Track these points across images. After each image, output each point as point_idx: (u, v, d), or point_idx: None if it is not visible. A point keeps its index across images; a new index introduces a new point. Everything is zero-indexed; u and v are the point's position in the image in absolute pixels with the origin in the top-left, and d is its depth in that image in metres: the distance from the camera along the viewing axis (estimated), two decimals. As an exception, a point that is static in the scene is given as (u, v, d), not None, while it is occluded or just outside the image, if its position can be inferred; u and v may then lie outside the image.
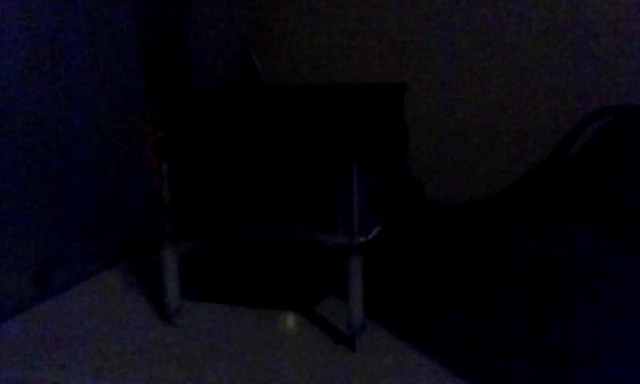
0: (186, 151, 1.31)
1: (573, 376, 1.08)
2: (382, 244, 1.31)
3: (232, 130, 1.24)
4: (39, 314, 1.44)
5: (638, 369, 1.09)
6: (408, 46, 2.32)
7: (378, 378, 1.11)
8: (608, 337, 1.23)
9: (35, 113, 1.46)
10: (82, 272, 1.64)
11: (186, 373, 1.16)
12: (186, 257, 1.84)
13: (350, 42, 2.36)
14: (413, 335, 1.26)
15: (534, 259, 1.77)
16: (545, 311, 1.35)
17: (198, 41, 2.05)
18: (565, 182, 2.22)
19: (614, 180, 2.05)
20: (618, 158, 2.07)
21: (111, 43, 1.67)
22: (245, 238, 1.24)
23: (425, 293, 1.52)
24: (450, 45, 2.27)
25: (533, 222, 2.11)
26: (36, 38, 1.43)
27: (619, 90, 2.16)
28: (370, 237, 1.22)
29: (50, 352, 1.24)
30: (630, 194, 1.96)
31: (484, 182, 2.29)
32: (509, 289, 1.51)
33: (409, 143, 1.66)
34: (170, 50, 1.90)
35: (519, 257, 1.81)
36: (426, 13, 2.28)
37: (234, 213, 1.26)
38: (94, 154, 1.64)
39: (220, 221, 1.27)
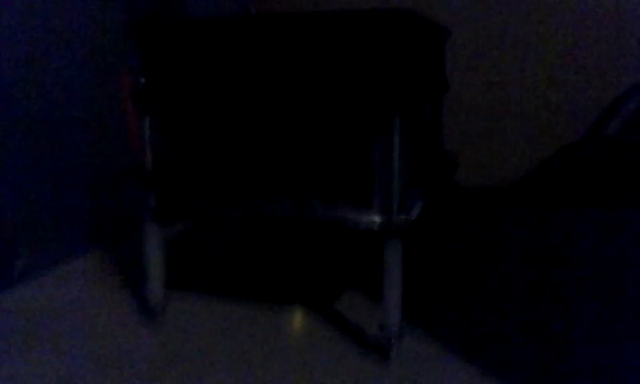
0: (173, 99, 0.97)
1: None
2: (421, 225, 1.03)
3: (232, 70, 0.94)
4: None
5: None
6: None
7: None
8: None
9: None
10: (52, 257, 1.37)
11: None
12: (173, 237, 1.57)
13: None
14: (461, 343, 0.98)
15: (582, 249, 1.50)
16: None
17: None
18: (602, 162, 2.00)
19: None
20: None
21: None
22: (247, 216, 0.96)
23: (470, 288, 1.24)
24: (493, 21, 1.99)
25: (571, 206, 1.87)
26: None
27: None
28: (413, 215, 0.94)
29: (3, 357, 0.98)
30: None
31: (518, 161, 2.04)
32: (561, 282, 1.24)
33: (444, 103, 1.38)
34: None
35: (568, 245, 1.53)
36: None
37: (233, 183, 0.97)
38: (71, 125, 1.37)
39: (215, 194, 0.98)
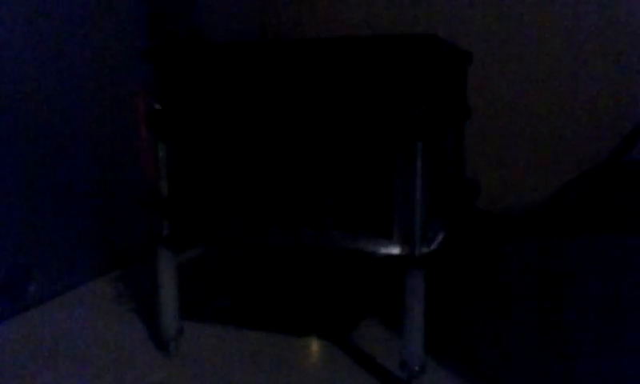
0: (188, 125, 0.95)
1: None
2: (443, 254, 1.00)
3: (249, 97, 0.92)
4: (9, 331, 1.14)
5: None
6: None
7: None
8: None
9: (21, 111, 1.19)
10: (66, 281, 1.35)
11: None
12: (189, 263, 1.54)
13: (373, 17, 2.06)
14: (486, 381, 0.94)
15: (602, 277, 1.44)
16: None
17: (211, 24, 1.75)
18: (624, 187, 1.95)
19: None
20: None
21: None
22: (265, 245, 0.93)
23: (494, 320, 1.18)
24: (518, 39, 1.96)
25: (595, 232, 1.82)
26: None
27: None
28: (434, 246, 0.90)
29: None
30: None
31: (538, 187, 2.00)
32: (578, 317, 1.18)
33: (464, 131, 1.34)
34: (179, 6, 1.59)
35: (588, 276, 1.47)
36: None
37: (251, 211, 0.94)
38: (82, 150, 1.36)
39: (233, 223, 0.95)
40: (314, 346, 1.10)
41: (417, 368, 0.88)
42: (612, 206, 1.94)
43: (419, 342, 0.88)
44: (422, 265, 0.86)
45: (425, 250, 0.86)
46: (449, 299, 1.29)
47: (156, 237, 0.99)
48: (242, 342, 1.09)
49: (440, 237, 0.94)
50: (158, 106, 0.96)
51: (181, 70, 0.97)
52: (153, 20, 1.45)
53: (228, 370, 0.99)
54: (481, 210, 1.91)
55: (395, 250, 0.86)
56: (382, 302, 1.26)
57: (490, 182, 1.98)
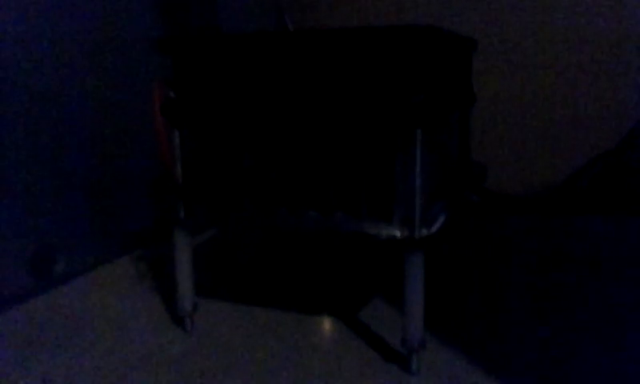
0: (203, 113, 1.02)
1: None
2: (443, 236, 1.04)
3: (259, 85, 0.97)
4: (33, 309, 1.22)
5: None
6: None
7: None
8: None
9: (36, 91, 1.25)
10: (87, 261, 1.42)
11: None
12: (203, 245, 1.61)
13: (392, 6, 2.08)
14: (481, 358, 0.98)
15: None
16: None
17: (227, 6, 1.79)
18: (636, 170, 1.95)
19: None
20: None
21: None
22: (274, 226, 0.99)
23: (495, 299, 1.23)
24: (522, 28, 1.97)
25: (609, 213, 1.83)
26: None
27: None
28: (434, 228, 0.94)
29: (32, 359, 1.01)
30: None
31: (548, 168, 2.01)
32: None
33: (472, 116, 1.37)
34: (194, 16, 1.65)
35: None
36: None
37: (260, 194, 1.00)
38: (99, 134, 1.42)
39: (243, 205, 1.01)
40: (324, 323, 1.15)
41: (416, 344, 0.93)
42: (625, 188, 1.95)
43: (419, 320, 0.93)
44: (422, 247, 0.90)
45: (424, 232, 0.91)
46: (453, 280, 1.33)
47: (173, 218, 1.05)
48: (254, 319, 1.15)
49: (441, 220, 0.98)
50: (172, 95, 1.01)
51: (194, 60, 1.02)
52: (167, 9, 1.50)
53: (240, 344, 1.05)
54: (492, 191, 1.94)
55: (395, 233, 0.91)
56: (389, 281, 1.31)
57: (504, 165, 2.01)
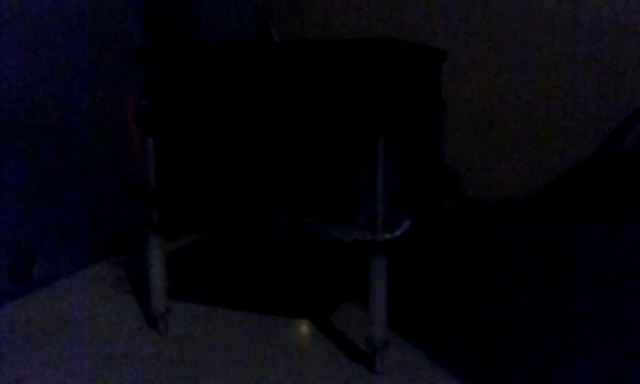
0: (175, 121, 1.06)
1: None
2: (411, 240, 1.07)
3: (229, 94, 1.00)
4: (10, 312, 1.24)
5: None
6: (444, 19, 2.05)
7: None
8: None
9: (15, 99, 1.28)
10: (66, 265, 1.44)
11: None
12: (180, 250, 1.63)
13: (374, 12, 2.12)
14: (444, 357, 1.02)
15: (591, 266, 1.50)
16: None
17: (211, 16, 1.83)
18: (615, 178, 1.99)
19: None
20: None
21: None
22: (244, 229, 1.03)
23: (462, 302, 1.27)
24: (496, 23, 2.01)
25: (582, 220, 1.87)
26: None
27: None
28: (398, 232, 0.98)
29: (6, 360, 1.02)
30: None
31: (526, 176, 2.05)
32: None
33: (446, 124, 1.41)
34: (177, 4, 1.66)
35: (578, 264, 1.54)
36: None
37: (231, 200, 1.03)
38: (82, 140, 1.45)
39: (214, 208, 1.04)
40: (296, 324, 1.18)
41: (380, 344, 0.97)
42: (604, 195, 1.99)
43: (382, 320, 0.96)
44: (385, 250, 0.94)
45: (387, 236, 0.94)
46: (425, 283, 1.37)
47: (146, 223, 1.08)
48: (227, 321, 1.18)
49: (406, 224, 1.02)
50: (146, 103, 1.05)
51: (166, 69, 1.05)
52: (149, 20, 1.53)
53: (210, 345, 1.08)
54: (471, 198, 1.98)
55: (359, 236, 0.94)
56: (361, 283, 1.35)
57: (486, 170, 2.04)
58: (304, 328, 1.17)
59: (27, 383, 0.97)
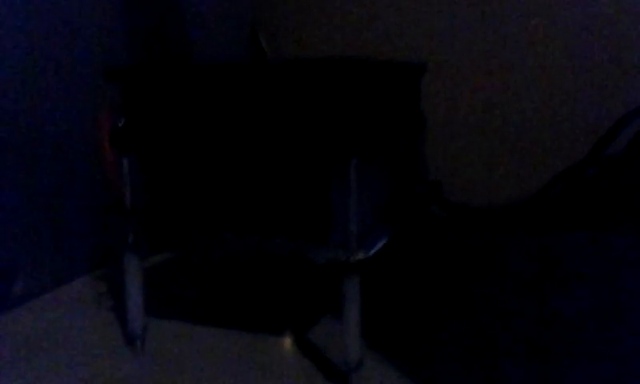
0: (151, 142, 1.07)
1: None
2: (388, 255, 1.08)
3: (205, 114, 1.01)
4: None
5: None
6: (427, 29, 2.06)
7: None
8: None
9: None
10: (46, 281, 1.42)
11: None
12: (154, 267, 1.63)
13: (365, 21, 2.12)
14: (423, 375, 1.01)
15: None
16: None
17: (199, 26, 1.83)
18: (602, 185, 1.99)
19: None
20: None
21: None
22: (220, 249, 1.03)
23: (438, 318, 1.28)
24: (477, 31, 2.02)
25: (571, 229, 1.87)
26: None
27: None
28: (371, 253, 0.98)
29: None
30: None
31: (513, 183, 2.05)
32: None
33: (426, 137, 1.42)
34: (164, 18, 1.67)
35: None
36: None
37: (207, 219, 1.03)
38: (68, 150, 1.45)
39: (189, 229, 1.04)
40: (272, 342, 1.18)
41: (353, 364, 0.97)
42: (592, 203, 1.99)
43: (356, 340, 0.96)
44: (358, 270, 0.94)
45: (361, 256, 0.94)
46: (406, 299, 1.37)
47: (122, 243, 1.08)
48: (204, 340, 1.18)
49: (381, 243, 1.02)
50: (121, 124, 1.05)
51: (142, 89, 1.05)
52: (134, 37, 1.54)
53: (187, 365, 1.08)
54: (459, 205, 1.97)
55: (332, 256, 0.94)
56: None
57: (472, 178, 2.04)
58: (282, 346, 1.17)
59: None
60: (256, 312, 1.33)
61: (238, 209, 1.00)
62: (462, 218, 1.98)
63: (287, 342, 1.17)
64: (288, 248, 0.97)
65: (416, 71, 1.28)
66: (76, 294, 1.42)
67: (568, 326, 1.21)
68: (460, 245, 1.80)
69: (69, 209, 1.47)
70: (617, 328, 1.20)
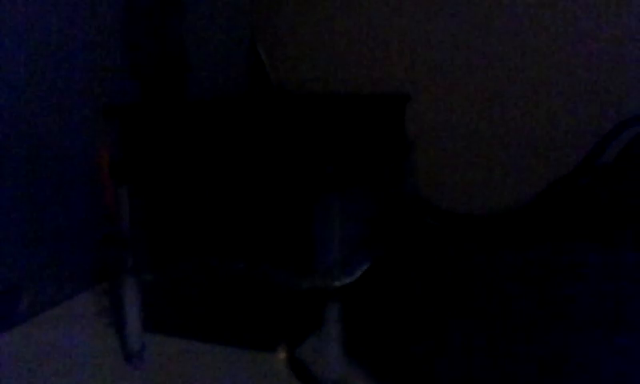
0: (146, 175, 1.13)
1: None
2: (373, 276, 1.14)
3: (197, 148, 1.08)
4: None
5: None
6: (419, 50, 2.11)
7: None
8: None
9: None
10: (49, 298, 1.49)
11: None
12: (152, 285, 1.67)
13: (358, 42, 2.18)
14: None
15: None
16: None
17: (199, 37, 1.88)
18: (594, 194, 2.01)
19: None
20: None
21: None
22: (209, 275, 1.10)
23: (422, 333, 1.33)
24: (466, 46, 2.06)
25: (563, 238, 1.89)
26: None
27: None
28: (353, 278, 1.05)
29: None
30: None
31: (508, 193, 2.08)
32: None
33: (413, 160, 1.48)
34: (162, 45, 1.73)
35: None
36: (438, 14, 2.07)
37: (199, 246, 1.10)
38: (70, 165, 1.50)
39: (181, 255, 1.11)
40: (264, 359, 1.25)
41: (335, 380, 1.03)
42: (584, 213, 2.02)
43: (337, 361, 1.03)
44: (339, 297, 1.01)
45: (343, 282, 1.01)
46: (389, 317, 1.43)
47: (121, 267, 1.15)
48: (201, 356, 1.25)
49: (363, 268, 1.09)
50: (120, 157, 1.12)
51: (140, 125, 1.13)
52: (140, 40, 1.60)
53: (186, 380, 1.15)
54: (451, 213, 2.00)
55: (315, 284, 1.01)
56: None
57: (466, 188, 2.07)
58: (273, 363, 1.23)
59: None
60: (250, 328, 1.39)
61: (226, 237, 1.07)
62: (454, 226, 2.01)
63: (274, 358, 1.23)
64: (272, 275, 1.04)
65: (398, 101, 1.35)
66: (77, 309, 1.49)
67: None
68: (450, 258, 1.85)
69: (69, 225, 1.53)
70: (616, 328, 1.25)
